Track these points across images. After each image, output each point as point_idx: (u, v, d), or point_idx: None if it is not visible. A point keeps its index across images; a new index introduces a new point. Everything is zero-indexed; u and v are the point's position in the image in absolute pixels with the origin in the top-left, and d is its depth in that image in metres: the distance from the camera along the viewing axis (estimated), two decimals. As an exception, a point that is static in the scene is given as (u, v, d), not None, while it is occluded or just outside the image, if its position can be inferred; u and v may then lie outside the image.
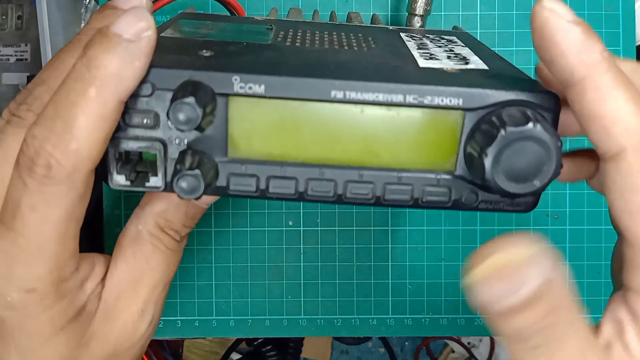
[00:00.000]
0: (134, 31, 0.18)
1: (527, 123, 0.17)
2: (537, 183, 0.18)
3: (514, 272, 0.15)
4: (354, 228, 0.40)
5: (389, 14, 0.40)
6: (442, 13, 0.40)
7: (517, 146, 0.17)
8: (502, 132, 0.17)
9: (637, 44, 0.40)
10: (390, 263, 0.40)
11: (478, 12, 0.40)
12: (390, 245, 0.40)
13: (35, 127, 0.18)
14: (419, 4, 0.36)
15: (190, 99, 0.17)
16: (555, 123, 0.19)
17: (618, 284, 0.20)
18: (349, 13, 0.34)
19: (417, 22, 0.37)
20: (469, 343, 0.84)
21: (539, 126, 0.17)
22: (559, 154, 0.18)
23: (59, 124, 0.18)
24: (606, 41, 0.39)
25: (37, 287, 0.20)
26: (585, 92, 0.18)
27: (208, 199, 0.23)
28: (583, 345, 0.17)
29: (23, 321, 0.20)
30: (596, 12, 0.39)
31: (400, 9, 0.40)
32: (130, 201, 0.39)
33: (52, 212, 0.19)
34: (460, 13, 0.40)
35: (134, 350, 0.24)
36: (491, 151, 0.18)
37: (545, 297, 0.16)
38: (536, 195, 0.20)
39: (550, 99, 0.19)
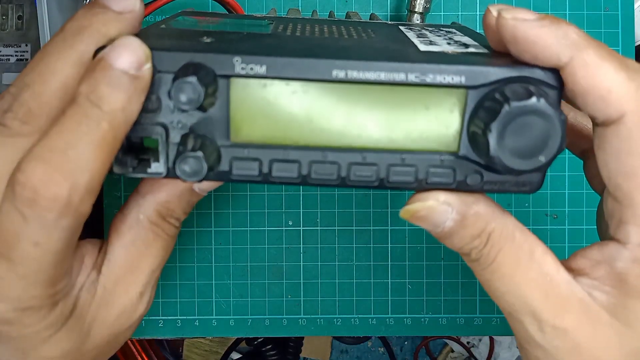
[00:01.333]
0: (137, 65, 0.18)
1: (530, 97, 0.17)
2: (542, 158, 0.18)
3: (429, 215, 0.20)
4: (354, 228, 0.40)
5: (389, 14, 0.40)
6: (442, 13, 0.40)
7: (521, 121, 0.17)
8: (506, 107, 0.17)
9: (636, 44, 0.40)
10: (389, 263, 0.40)
11: (477, 12, 0.40)
12: (389, 245, 0.40)
13: (36, 159, 0.18)
14: (419, 1, 0.36)
15: (192, 78, 0.17)
16: (558, 98, 0.19)
17: (604, 239, 0.21)
18: (347, 12, 0.34)
19: (416, 20, 0.37)
20: (468, 342, 0.84)
21: (542, 100, 0.17)
22: (563, 128, 0.18)
23: (71, 157, 0.17)
24: (605, 41, 0.39)
25: (33, 305, 0.19)
26: (576, 70, 0.18)
27: (209, 185, 0.23)
28: (520, 259, 0.20)
29: (21, 331, 0.20)
30: (595, 13, 0.40)
31: (399, 9, 0.40)
32: (130, 201, 0.40)
33: (55, 245, 0.19)
34: (460, 13, 0.40)
35: (131, 330, 0.24)
36: (495, 127, 0.17)
37: (468, 227, 0.20)
38: (541, 172, 0.20)
39: (553, 75, 0.19)
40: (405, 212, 0.21)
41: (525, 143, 0.18)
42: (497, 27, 0.19)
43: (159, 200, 0.23)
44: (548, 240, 0.40)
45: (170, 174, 0.20)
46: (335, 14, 0.39)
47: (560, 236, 0.40)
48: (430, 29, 0.27)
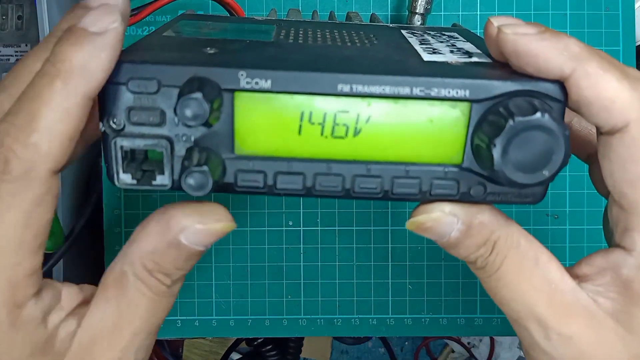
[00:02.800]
0: (100, 24, 0.18)
1: (534, 113, 0.17)
2: (546, 173, 0.18)
3: (435, 226, 0.20)
4: (354, 228, 0.40)
5: (389, 13, 0.40)
6: (442, 13, 0.40)
7: (525, 136, 0.17)
8: (510, 122, 0.17)
9: (637, 44, 0.40)
10: (390, 263, 0.40)
11: (478, 12, 0.40)
12: (390, 245, 0.40)
13: (2, 125, 0.18)
14: (419, 2, 0.36)
15: (198, 94, 0.17)
16: (562, 112, 0.19)
17: (611, 244, 0.21)
18: (348, 13, 0.34)
19: (417, 21, 0.37)
20: (468, 343, 0.84)
21: (547, 115, 0.17)
22: (567, 143, 0.18)
23: (21, 117, 0.18)
24: (606, 41, 0.39)
25: None
26: (579, 82, 0.18)
27: (206, 240, 0.20)
28: (525, 266, 0.20)
29: None
30: (596, 12, 0.39)
31: (400, 8, 0.40)
32: (130, 201, 0.40)
33: (6, 213, 0.17)
34: (460, 13, 0.40)
35: None
36: (499, 142, 0.18)
37: (474, 236, 0.20)
38: (545, 185, 0.20)
39: (556, 88, 0.19)
40: (411, 224, 0.21)
41: (529, 157, 0.18)
42: (498, 42, 0.19)
43: (144, 251, 0.20)
44: (549, 241, 0.40)
45: (175, 185, 0.20)
46: (336, 13, 0.39)
47: (561, 236, 0.40)
48: (432, 33, 0.27)
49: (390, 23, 0.40)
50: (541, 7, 0.40)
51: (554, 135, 0.17)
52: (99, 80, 0.18)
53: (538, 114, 0.17)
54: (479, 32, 0.40)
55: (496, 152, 0.18)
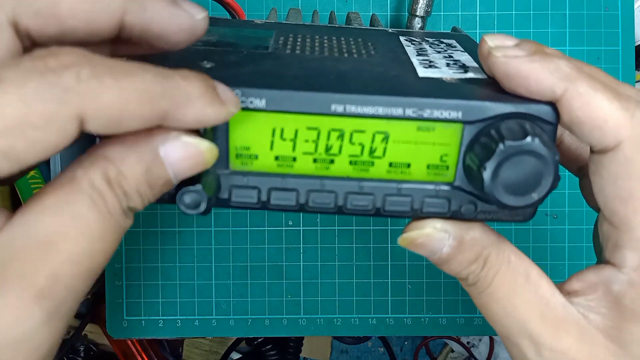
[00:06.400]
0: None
1: (525, 137, 0.18)
2: (535, 196, 0.18)
3: (427, 242, 0.21)
4: (354, 228, 0.40)
5: (389, 14, 0.40)
6: (442, 13, 0.40)
7: (515, 160, 0.18)
8: (501, 146, 0.18)
9: (637, 44, 0.40)
10: (389, 262, 0.40)
11: (477, 13, 0.40)
12: (389, 245, 0.40)
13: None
14: (420, 5, 0.36)
15: None
16: (553, 135, 0.20)
17: (600, 259, 0.21)
18: (348, 13, 0.34)
19: (417, 23, 0.37)
20: (468, 342, 0.85)
21: (537, 140, 0.18)
22: (556, 167, 0.18)
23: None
24: (605, 41, 0.39)
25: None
26: (570, 102, 0.19)
27: (184, 162, 0.18)
28: (516, 281, 0.20)
29: None
30: (595, 12, 0.40)
31: (400, 9, 0.40)
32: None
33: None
34: (460, 13, 0.40)
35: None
36: (490, 165, 0.18)
37: (465, 252, 0.21)
38: (534, 206, 0.20)
39: (548, 110, 0.19)
40: (403, 240, 0.21)
41: (519, 181, 0.18)
42: (490, 66, 0.20)
43: (110, 155, 0.16)
44: (548, 240, 0.40)
45: (171, 200, 0.20)
46: (336, 14, 0.39)
47: (560, 236, 0.40)
48: (430, 40, 0.27)
49: (390, 26, 0.41)
50: (541, 7, 0.40)
51: (543, 160, 0.18)
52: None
53: (529, 139, 0.18)
54: (478, 32, 0.40)
55: (486, 175, 0.18)
